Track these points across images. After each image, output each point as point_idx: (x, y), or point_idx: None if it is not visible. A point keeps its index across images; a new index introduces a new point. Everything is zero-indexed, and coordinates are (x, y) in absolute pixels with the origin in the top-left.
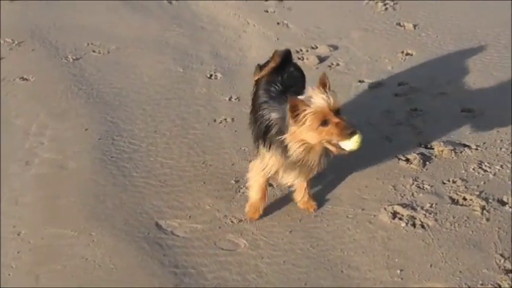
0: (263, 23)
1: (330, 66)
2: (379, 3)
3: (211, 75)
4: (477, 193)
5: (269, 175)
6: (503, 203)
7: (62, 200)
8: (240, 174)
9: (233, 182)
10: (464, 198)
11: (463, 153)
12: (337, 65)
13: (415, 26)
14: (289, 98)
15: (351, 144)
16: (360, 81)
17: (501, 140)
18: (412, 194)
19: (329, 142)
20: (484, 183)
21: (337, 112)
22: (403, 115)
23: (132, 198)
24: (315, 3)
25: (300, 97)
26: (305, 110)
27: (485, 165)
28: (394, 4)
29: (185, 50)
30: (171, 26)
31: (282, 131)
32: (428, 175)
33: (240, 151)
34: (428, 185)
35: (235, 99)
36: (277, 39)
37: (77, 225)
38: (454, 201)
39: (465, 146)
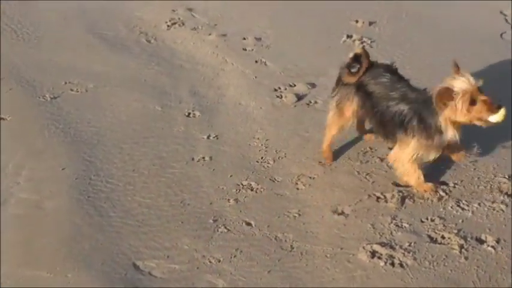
0: (241, 61)
1: (308, 104)
2: (356, 41)
3: (189, 114)
4: (455, 231)
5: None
6: (481, 242)
7: (38, 241)
8: (218, 214)
9: (211, 221)
10: (443, 237)
11: (441, 190)
12: (316, 102)
13: (392, 64)
14: (436, 87)
15: (497, 117)
16: None
17: (478, 178)
18: (391, 233)
19: (479, 119)
20: (462, 221)
21: (480, 91)
22: (381, 153)
23: (109, 239)
24: (293, 41)
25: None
26: (454, 95)
27: (463, 203)
28: (371, 42)
29: (163, 88)
30: (150, 64)
31: (423, 118)
32: (406, 213)
33: (219, 190)
34: (407, 224)
35: (214, 137)
36: (255, 77)
37: (53, 267)
38: (432, 240)
39: (443, 183)
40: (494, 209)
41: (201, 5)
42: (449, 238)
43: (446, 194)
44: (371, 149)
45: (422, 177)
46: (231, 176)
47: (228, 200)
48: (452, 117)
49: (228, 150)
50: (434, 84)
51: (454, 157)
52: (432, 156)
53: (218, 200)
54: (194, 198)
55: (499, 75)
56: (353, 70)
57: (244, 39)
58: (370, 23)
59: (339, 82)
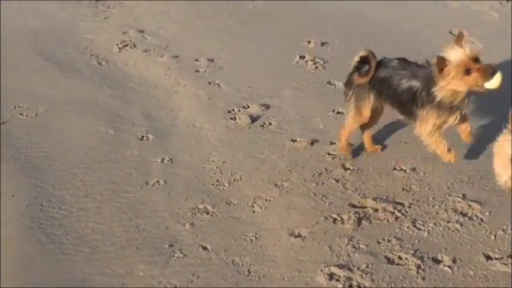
0: (194, 82)
1: (262, 125)
2: (309, 62)
3: (142, 137)
4: (412, 252)
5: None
6: (438, 262)
7: None
8: (174, 238)
9: (167, 246)
10: (400, 258)
11: (397, 211)
12: (270, 124)
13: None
14: (436, 56)
15: (493, 82)
16: (292, 141)
17: (433, 198)
18: (348, 255)
19: (476, 86)
20: (419, 241)
21: (476, 60)
22: (336, 174)
23: (62, 267)
24: (246, 62)
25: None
26: (448, 65)
27: (419, 223)
28: (324, 63)
29: (116, 111)
30: (101, 87)
31: (430, 89)
32: (363, 234)
33: (174, 214)
34: (364, 245)
35: (168, 160)
36: (209, 99)
37: None
38: (389, 261)
39: (399, 203)
40: (449, 229)
41: (153, 26)
42: (406, 259)
43: (402, 214)
44: (326, 170)
45: (447, 147)
46: (186, 199)
47: (184, 224)
48: (449, 86)
49: (183, 173)
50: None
51: (462, 136)
52: (451, 120)
53: (174, 225)
54: (149, 223)
55: None
56: (363, 71)
57: (197, 60)
58: (323, 44)
59: (351, 85)
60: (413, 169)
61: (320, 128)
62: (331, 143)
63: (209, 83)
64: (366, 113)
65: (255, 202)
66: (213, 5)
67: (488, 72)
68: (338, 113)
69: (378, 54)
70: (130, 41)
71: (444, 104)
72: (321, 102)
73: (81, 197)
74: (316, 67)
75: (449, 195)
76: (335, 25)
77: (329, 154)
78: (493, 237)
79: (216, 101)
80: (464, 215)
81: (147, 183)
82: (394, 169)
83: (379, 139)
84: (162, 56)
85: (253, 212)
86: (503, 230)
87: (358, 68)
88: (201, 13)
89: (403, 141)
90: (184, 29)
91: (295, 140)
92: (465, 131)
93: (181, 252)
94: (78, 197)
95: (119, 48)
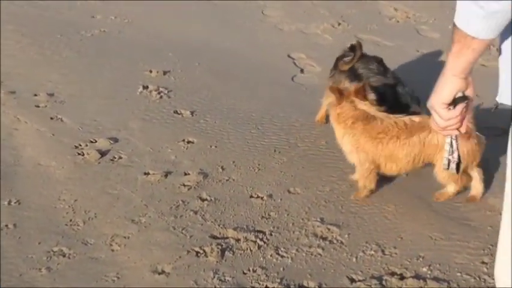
0: (35, 119)
1: (112, 160)
2: (153, 92)
3: None
4: (278, 280)
5: None
6: None
7: None
8: (30, 285)
9: None
10: (267, 287)
11: (259, 239)
12: (120, 158)
13: (192, 113)
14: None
15: None
16: (145, 174)
17: (293, 224)
18: None
19: None
20: (283, 269)
21: None
22: (193, 205)
23: None
24: (88, 95)
25: None
26: None
27: (282, 251)
28: (168, 92)
29: None
30: None
31: None
32: (228, 266)
33: (28, 259)
34: (230, 277)
35: (15, 202)
36: (53, 134)
37: None
38: None
39: (260, 231)
40: (312, 254)
41: None
42: None
43: (264, 242)
44: (183, 202)
45: None
46: (39, 243)
47: (40, 269)
48: None
49: (33, 215)
50: (235, 131)
51: None
52: None
53: (28, 271)
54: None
55: (295, 116)
56: (346, 59)
57: (36, 95)
58: (165, 72)
59: (336, 67)
60: (270, 196)
61: (172, 159)
62: (185, 174)
63: (51, 118)
64: None
65: (113, 240)
66: (48, 36)
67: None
68: (188, 142)
69: (222, 79)
70: None
71: None
72: (169, 132)
73: None
74: (161, 96)
75: (308, 220)
76: (176, 53)
77: (184, 185)
78: (354, 259)
79: (60, 137)
80: (324, 239)
81: None
82: (251, 197)
83: (231, 168)
84: None
85: (112, 250)
86: (363, 251)
87: (344, 55)
88: (36, 45)
89: (256, 168)
90: (20, 62)
91: (148, 173)
92: None
93: None
94: None
95: None
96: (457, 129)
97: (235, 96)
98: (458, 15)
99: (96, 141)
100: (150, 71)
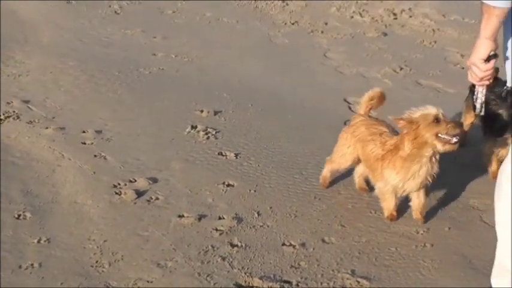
0: (79, 155)
1: (148, 200)
2: (200, 132)
3: (19, 216)
4: None
5: None
6: None
7: None
8: None
9: None
10: None
11: None
12: (157, 199)
13: (236, 155)
14: None
15: None
16: (179, 216)
17: (322, 275)
18: None
19: None
20: None
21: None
22: (223, 251)
23: None
24: (136, 133)
25: None
26: None
27: None
28: (216, 133)
29: None
30: None
31: None
32: None
33: None
34: None
35: (45, 241)
36: (94, 172)
37: None
38: None
39: (286, 282)
40: None
41: (40, 96)
42: None
43: None
44: (213, 247)
45: None
46: (61, 283)
47: None
48: None
49: (60, 254)
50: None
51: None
52: None
53: None
54: None
55: None
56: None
57: (84, 132)
58: (216, 113)
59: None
60: (303, 244)
61: (208, 202)
62: (219, 218)
63: (95, 155)
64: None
65: (135, 284)
66: (106, 72)
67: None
68: (228, 185)
69: (273, 121)
70: (14, 112)
71: None
72: (211, 175)
73: None
74: (208, 137)
75: (339, 272)
76: (231, 94)
77: (216, 230)
78: None
79: (101, 175)
80: None
81: (20, 266)
82: (283, 244)
83: (267, 214)
84: (47, 128)
85: None
86: None
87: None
88: (92, 81)
89: (293, 215)
90: (74, 98)
91: (182, 216)
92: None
93: None
94: None
95: (1, 119)
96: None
97: (284, 139)
98: None
99: (135, 181)
100: (201, 111)
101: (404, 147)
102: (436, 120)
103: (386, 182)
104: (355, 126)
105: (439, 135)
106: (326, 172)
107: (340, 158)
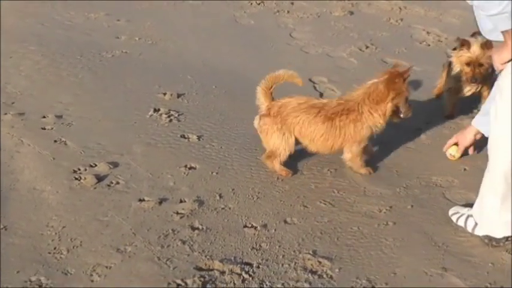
0: (39, 141)
1: (109, 185)
2: (163, 115)
3: None
4: None
5: None
6: None
7: None
8: None
9: None
10: None
11: (244, 272)
12: (117, 183)
13: (199, 138)
14: None
15: None
16: (140, 200)
17: (283, 256)
18: None
19: None
20: None
21: None
22: (183, 235)
23: None
24: (98, 117)
25: None
26: None
27: (266, 285)
28: (178, 116)
29: None
30: None
31: None
32: None
33: None
34: None
35: (2, 228)
36: (53, 158)
37: None
38: None
39: (247, 264)
40: None
41: None
42: None
43: (250, 275)
44: (173, 231)
45: None
46: (18, 272)
47: None
48: None
49: (18, 242)
50: (239, 157)
51: None
52: None
53: None
54: None
55: None
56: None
57: (44, 117)
58: (179, 95)
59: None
60: (265, 226)
61: (170, 186)
62: (181, 201)
63: (55, 141)
64: None
65: (94, 270)
66: (68, 57)
67: None
68: (190, 168)
69: (236, 103)
70: None
71: None
72: (172, 158)
73: None
74: (171, 120)
75: (300, 252)
76: (194, 76)
77: (177, 213)
78: None
79: (60, 161)
80: (313, 273)
81: None
82: (245, 226)
83: (229, 196)
84: (6, 114)
85: (92, 281)
86: (352, 287)
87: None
88: (54, 66)
89: (255, 196)
90: (34, 83)
91: (143, 200)
92: None
93: None
94: None
95: None
96: None
97: (248, 120)
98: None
99: (96, 166)
100: (164, 94)
101: None
102: None
103: None
104: None
105: None
106: None
107: None
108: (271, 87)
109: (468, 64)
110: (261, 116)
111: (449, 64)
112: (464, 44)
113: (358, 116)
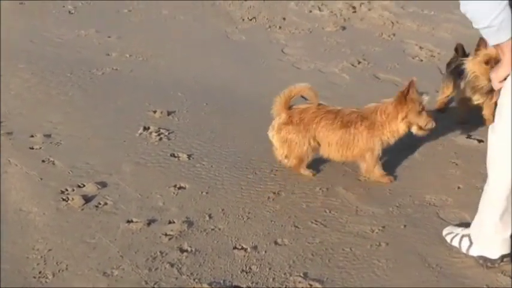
0: (26, 161)
1: (97, 206)
2: (153, 134)
3: None
4: None
5: None
6: None
7: None
8: None
9: None
10: None
11: None
12: (105, 204)
13: (189, 156)
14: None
15: None
16: (128, 222)
17: (273, 279)
18: None
19: None
20: None
21: None
22: (172, 257)
23: None
24: (87, 136)
25: None
26: None
27: None
28: (168, 134)
29: None
30: None
31: None
32: None
33: None
34: None
35: None
36: (41, 178)
37: None
38: None
39: (237, 287)
40: None
41: None
42: None
43: None
44: (161, 253)
45: None
46: None
47: None
48: None
49: (2, 266)
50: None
51: None
52: None
53: None
54: None
55: None
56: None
57: (32, 136)
58: (169, 113)
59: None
60: (255, 247)
61: (159, 206)
62: (170, 222)
63: (43, 160)
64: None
65: None
66: (58, 74)
67: None
68: (179, 188)
69: (227, 121)
70: None
71: None
72: (162, 177)
73: None
74: (161, 138)
75: (291, 275)
76: (185, 93)
77: (166, 235)
78: None
79: (48, 181)
80: None
81: None
82: (235, 248)
83: (219, 217)
84: None
85: None
86: None
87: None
88: (43, 84)
89: (245, 217)
90: (23, 102)
91: (131, 221)
92: None
93: None
94: None
95: None
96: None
97: (239, 138)
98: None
99: (84, 186)
100: (155, 112)
101: None
102: None
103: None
104: None
105: None
106: None
107: None
108: (292, 97)
109: (487, 62)
110: (281, 125)
111: (455, 76)
112: (481, 43)
113: (371, 125)
